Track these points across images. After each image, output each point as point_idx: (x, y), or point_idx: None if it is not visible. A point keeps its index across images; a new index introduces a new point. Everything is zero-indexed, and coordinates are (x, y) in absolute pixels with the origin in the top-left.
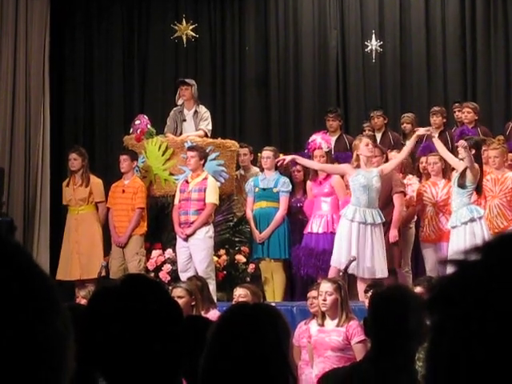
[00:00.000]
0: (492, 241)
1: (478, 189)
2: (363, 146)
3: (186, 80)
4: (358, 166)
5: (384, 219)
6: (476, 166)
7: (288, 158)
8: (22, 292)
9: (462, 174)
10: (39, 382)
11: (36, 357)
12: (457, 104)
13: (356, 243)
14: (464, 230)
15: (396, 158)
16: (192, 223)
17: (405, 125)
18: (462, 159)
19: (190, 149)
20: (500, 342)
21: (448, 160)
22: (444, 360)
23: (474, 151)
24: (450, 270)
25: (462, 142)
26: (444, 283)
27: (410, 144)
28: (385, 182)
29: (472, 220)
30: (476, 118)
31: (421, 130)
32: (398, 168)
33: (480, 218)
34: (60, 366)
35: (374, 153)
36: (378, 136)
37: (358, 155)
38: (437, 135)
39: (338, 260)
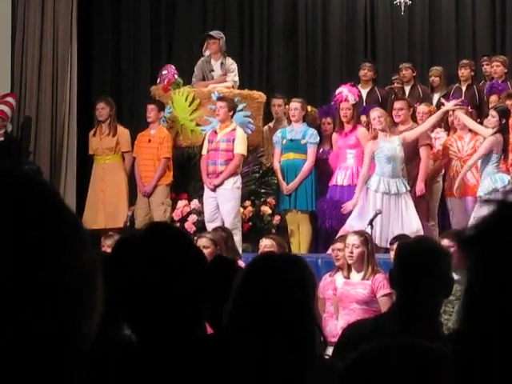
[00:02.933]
0: None
1: (505, 156)
2: (372, 120)
3: (214, 34)
4: (376, 136)
5: (409, 188)
6: (498, 136)
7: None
8: (51, 229)
9: None
10: (68, 318)
11: (65, 293)
12: (485, 58)
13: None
14: None
15: (420, 127)
16: (220, 173)
17: (433, 78)
18: (489, 127)
19: (220, 99)
20: None
21: (476, 130)
22: (478, 301)
23: (503, 120)
24: (488, 209)
25: (492, 112)
26: (481, 224)
27: (435, 117)
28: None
29: (495, 190)
30: (505, 71)
31: (450, 105)
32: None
33: (505, 187)
34: (88, 304)
35: (383, 124)
36: (407, 89)
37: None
38: (464, 88)
39: (351, 226)
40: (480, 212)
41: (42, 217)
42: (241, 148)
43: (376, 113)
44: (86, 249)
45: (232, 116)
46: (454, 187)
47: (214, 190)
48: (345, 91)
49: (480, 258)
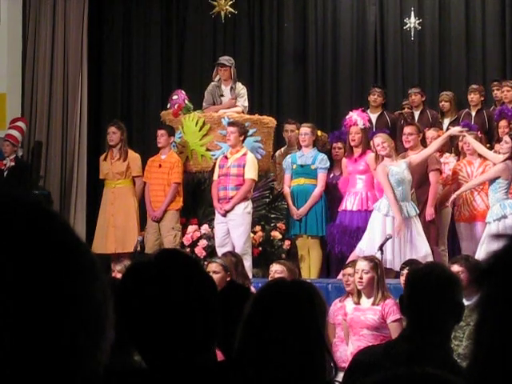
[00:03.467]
0: None
1: None
2: (376, 147)
3: (225, 62)
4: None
5: (418, 211)
6: (509, 163)
7: None
8: (62, 261)
9: None
10: (78, 351)
11: (75, 325)
12: (495, 83)
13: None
14: (497, 227)
15: (425, 150)
16: (231, 199)
17: (443, 103)
18: (501, 153)
19: (231, 124)
20: None
21: (485, 155)
22: (492, 334)
23: None
24: (499, 244)
25: (506, 138)
26: (493, 257)
27: (440, 140)
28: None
29: (504, 217)
30: None
31: (455, 130)
32: None
33: None
34: (99, 335)
35: (387, 150)
36: (416, 114)
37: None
38: (474, 113)
39: (361, 251)
40: (491, 246)
41: (52, 247)
42: (251, 173)
43: (379, 139)
44: (97, 278)
45: (243, 141)
46: (450, 198)
47: (224, 215)
48: (354, 115)
49: (492, 292)
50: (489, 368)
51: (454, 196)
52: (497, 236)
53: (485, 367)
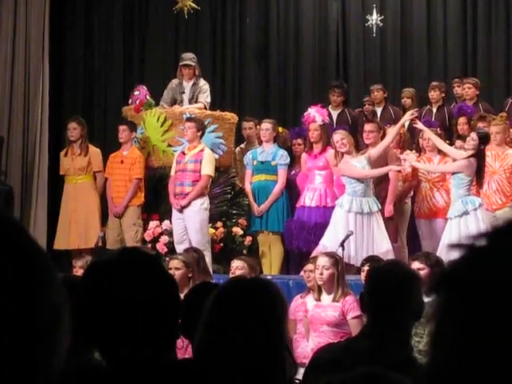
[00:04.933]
0: (501, 227)
1: (479, 180)
2: (335, 143)
3: (190, 62)
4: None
5: (380, 207)
6: (472, 160)
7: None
8: (16, 264)
9: None
10: (36, 354)
11: (32, 329)
12: (457, 79)
13: (354, 233)
14: (458, 223)
15: (383, 142)
16: (187, 194)
17: (405, 99)
18: (466, 149)
19: (188, 120)
20: (506, 326)
21: (446, 151)
22: (448, 341)
23: (482, 146)
24: (457, 253)
25: (473, 135)
26: (452, 266)
27: (395, 129)
28: (380, 157)
29: (465, 213)
30: (477, 93)
31: (407, 115)
32: (396, 143)
33: (475, 209)
34: (56, 338)
35: (347, 146)
36: (379, 110)
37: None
38: (435, 110)
39: (324, 247)
40: (450, 254)
41: (8, 250)
42: (208, 169)
43: (338, 136)
44: (53, 279)
45: (201, 137)
46: (407, 161)
47: (180, 210)
48: (312, 112)
49: (448, 300)
50: (445, 375)
51: (409, 160)
52: (455, 245)
53: (441, 374)
